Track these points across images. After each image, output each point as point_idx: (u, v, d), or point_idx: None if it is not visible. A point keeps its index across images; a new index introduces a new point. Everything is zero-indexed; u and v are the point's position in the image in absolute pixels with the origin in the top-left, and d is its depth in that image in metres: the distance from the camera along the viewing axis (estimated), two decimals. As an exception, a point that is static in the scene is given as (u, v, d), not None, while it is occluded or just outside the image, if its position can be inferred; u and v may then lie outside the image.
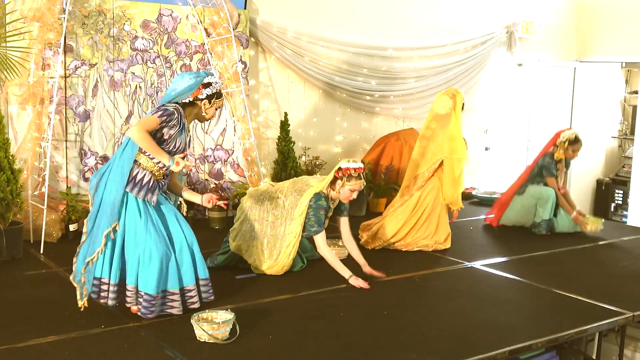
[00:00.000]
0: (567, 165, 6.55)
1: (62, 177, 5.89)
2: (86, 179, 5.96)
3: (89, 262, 3.84)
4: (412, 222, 5.69)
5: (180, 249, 3.91)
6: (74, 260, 3.92)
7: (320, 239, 4.72)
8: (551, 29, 9.25)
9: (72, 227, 5.68)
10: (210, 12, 6.41)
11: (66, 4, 5.50)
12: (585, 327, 3.95)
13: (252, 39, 6.86)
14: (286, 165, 6.63)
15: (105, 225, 3.81)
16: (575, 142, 6.37)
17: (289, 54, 7.07)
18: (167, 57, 6.31)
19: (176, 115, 3.86)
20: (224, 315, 3.67)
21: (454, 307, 4.25)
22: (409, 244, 5.66)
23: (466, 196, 8.27)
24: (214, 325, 3.56)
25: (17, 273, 4.79)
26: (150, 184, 3.89)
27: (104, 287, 3.87)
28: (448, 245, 5.75)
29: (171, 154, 3.90)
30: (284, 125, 6.79)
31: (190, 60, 6.42)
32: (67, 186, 5.87)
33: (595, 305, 4.33)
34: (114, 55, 6.04)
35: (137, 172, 3.87)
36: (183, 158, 3.90)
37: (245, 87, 6.57)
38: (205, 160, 6.59)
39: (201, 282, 3.97)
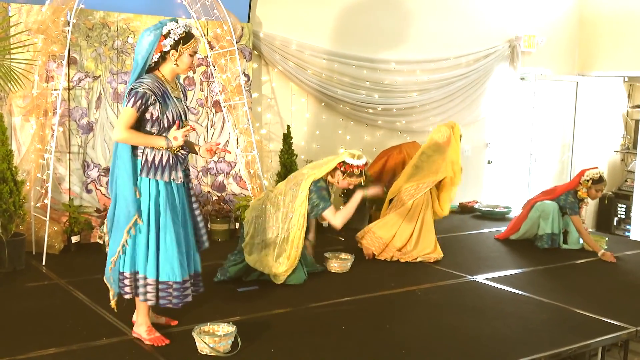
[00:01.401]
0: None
1: (64, 189, 5.89)
2: (89, 191, 5.96)
3: (112, 261, 3.68)
4: (410, 230, 5.82)
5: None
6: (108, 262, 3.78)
7: (329, 214, 4.74)
8: (553, 43, 9.27)
9: (75, 239, 5.69)
10: (214, 25, 6.43)
11: (70, 17, 5.53)
12: (588, 342, 3.94)
13: (255, 52, 6.88)
14: (289, 178, 6.64)
15: (125, 222, 3.62)
16: (599, 181, 6.29)
17: (292, 67, 7.09)
18: (171, 69, 6.32)
19: (149, 93, 3.54)
20: (226, 328, 3.66)
21: (456, 320, 4.24)
22: (410, 255, 5.72)
23: (469, 210, 8.29)
24: (215, 338, 3.55)
25: (19, 285, 4.78)
26: (171, 162, 3.66)
27: (141, 282, 3.67)
28: (439, 254, 5.77)
29: (169, 128, 3.65)
30: (287, 137, 6.80)
31: (194, 73, 6.44)
32: (69, 198, 5.88)
33: (598, 319, 4.32)
34: (118, 68, 6.07)
35: (154, 155, 3.63)
36: (178, 128, 3.65)
37: (248, 100, 6.58)
38: (208, 173, 6.60)
39: (194, 276, 3.83)
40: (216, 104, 6.59)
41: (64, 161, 5.88)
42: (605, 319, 4.32)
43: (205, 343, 3.50)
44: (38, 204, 5.64)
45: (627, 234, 9.21)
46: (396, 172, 6.96)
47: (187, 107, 3.86)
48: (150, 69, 3.68)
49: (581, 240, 6.38)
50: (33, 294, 4.59)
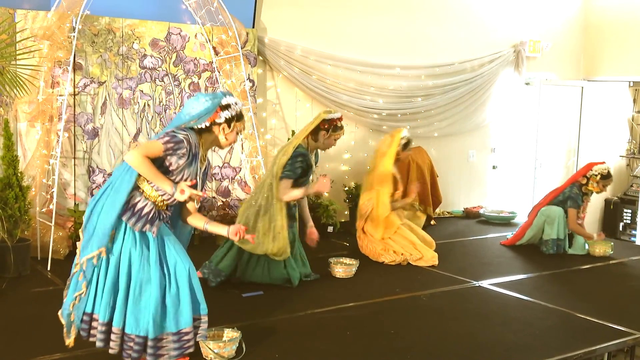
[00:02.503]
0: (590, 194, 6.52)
1: (70, 194, 5.91)
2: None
3: (77, 296, 3.41)
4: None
5: (178, 284, 3.43)
6: (64, 293, 3.49)
7: (284, 184, 4.87)
8: (559, 48, 9.27)
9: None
10: (219, 30, 6.45)
11: (76, 23, 5.55)
12: (593, 348, 3.92)
13: (260, 58, 6.89)
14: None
15: (91, 250, 3.38)
16: (607, 177, 6.28)
17: (297, 73, 7.10)
18: (176, 75, 6.34)
19: (185, 144, 3.39)
20: (231, 334, 3.66)
21: (462, 326, 4.23)
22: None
23: (474, 215, 8.27)
24: (220, 343, 3.54)
25: (24, 290, 4.79)
26: (150, 215, 3.44)
27: (95, 324, 3.42)
28: (427, 260, 5.80)
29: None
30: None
31: (199, 79, 6.46)
32: (74, 203, 5.89)
33: (604, 325, 4.30)
34: (123, 73, 6.08)
35: (139, 201, 3.44)
36: (191, 186, 3.46)
37: (253, 105, 6.59)
38: (213, 178, 6.61)
39: (202, 319, 3.49)
40: (221, 110, 6.59)
41: (70, 166, 5.89)
42: (611, 324, 4.30)
43: (209, 348, 3.50)
44: (43, 210, 5.65)
45: (632, 239, 9.18)
46: (401, 177, 6.96)
47: (205, 180, 3.71)
48: (193, 130, 3.53)
49: (587, 246, 6.36)
50: (38, 299, 4.60)
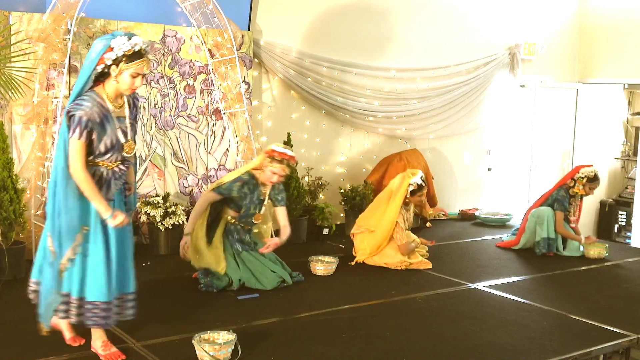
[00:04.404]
0: (581, 198, 6.53)
1: (65, 197, 5.88)
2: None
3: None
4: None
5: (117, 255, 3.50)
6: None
7: (207, 196, 4.91)
8: (554, 51, 9.29)
9: (75, 247, 5.67)
10: (214, 33, 6.45)
11: (71, 25, 5.54)
12: (589, 350, 3.93)
13: (256, 60, 6.89)
14: (289, 185, 6.62)
15: (67, 244, 3.45)
16: (593, 180, 6.30)
17: (292, 75, 7.10)
18: (171, 77, 6.34)
19: (88, 120, 3.27)
20: (226, 336, 3.65)
21: (457, 328, 4.23)
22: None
23: (469, 217, 8.28)
24: (215, 346, 3.54)
25: (19, 293, 4.75)
26: (104, 180, 3.43)
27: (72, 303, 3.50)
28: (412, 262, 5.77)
29: (110, 151, 3.40)
30: (287, 145, 6.80)
31: (194, 81, 6.45)
32: (70, 206, 5.87)
33: (599, 327, 4.31)
34: (118, 76, 6.07)
35: (95, 171, 3.42)
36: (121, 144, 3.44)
37: (248, 108, 6.59)
38: (208, 180, 6.60)
39: (129, 297, 3.61)
40: (217, 112, 6.59)
41: (65, 169, 5.87)
42: (606, 326, 4.31)
43: (205, 351, 3.50)
44: (38, 212, 5.64)
45: (627, 241, 9.20)
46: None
47: (134, 122, 3.55)
48: (98, 80, 3.38)
49: (582, 248, 6.37)
50: (33, 302, 4.58)
